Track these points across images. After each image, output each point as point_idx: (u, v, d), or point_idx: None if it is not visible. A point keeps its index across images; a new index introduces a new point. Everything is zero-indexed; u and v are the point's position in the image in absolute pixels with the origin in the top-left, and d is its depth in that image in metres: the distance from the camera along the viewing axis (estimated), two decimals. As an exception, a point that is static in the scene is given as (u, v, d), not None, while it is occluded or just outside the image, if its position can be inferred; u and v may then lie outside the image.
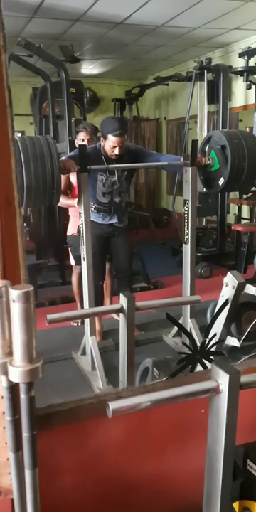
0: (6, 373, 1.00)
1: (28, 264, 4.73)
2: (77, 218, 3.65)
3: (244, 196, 6.26)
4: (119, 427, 1.67)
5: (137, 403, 1.18)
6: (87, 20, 5.18)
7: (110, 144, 3.26)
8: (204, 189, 6.13)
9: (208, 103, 6.14)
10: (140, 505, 1.72)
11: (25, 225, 6.21)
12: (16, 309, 0.94)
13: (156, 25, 5.57)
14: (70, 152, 4.00)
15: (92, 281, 2.98)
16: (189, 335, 1.79)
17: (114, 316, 3.73)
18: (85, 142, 3.76)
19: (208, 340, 1.69)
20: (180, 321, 3.31)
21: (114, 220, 3.63)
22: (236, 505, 1.49)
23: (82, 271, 2.99)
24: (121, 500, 1.71)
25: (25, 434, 1.00)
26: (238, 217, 6.09)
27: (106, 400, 1.53)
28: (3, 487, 1.30)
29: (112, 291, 4.03)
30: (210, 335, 2.29)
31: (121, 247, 3.76)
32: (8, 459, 1.20)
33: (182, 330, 1.80)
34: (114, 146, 3.26)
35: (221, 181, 3.15)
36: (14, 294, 0.94)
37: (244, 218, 6.48)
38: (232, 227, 5.35)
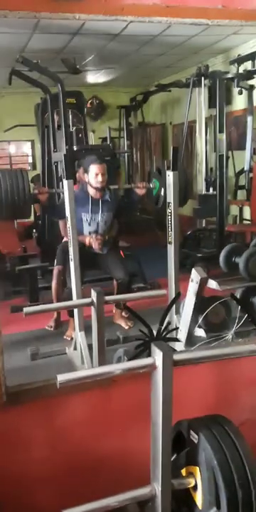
0: None
1: (31, 266, 4.98)
2: None
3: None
4: (84, 404, 1.87)
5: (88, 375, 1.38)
6: (85, 33, 5.40)
7: (92, 173, 3.72)
8: (203, 191, 6.27)
9: (209, 107, 6.32)
10: (106, 476, 1.91)
11: (34, 231, 6.54)
12: None
13: (153, 35, 5.76)
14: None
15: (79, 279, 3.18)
16: (146, 324, 1.98)
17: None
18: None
19: (163, 328, 1.87)
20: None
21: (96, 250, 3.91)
22: (184, 471, 1.68)
23: (71, 269, 3.20)
24: (88, 472, 1.91)
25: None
26: (236, 218, 6.21)
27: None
28: None
29: None
30: (181, 326, 2.48)
31: (111, 263, 3.98)
32: None
33: (139, 319, 1.99)
34: (97, 174, 3.71)
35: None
36: None
37: (245, 219, 6.58)
38: (227, 228, 5.46)
